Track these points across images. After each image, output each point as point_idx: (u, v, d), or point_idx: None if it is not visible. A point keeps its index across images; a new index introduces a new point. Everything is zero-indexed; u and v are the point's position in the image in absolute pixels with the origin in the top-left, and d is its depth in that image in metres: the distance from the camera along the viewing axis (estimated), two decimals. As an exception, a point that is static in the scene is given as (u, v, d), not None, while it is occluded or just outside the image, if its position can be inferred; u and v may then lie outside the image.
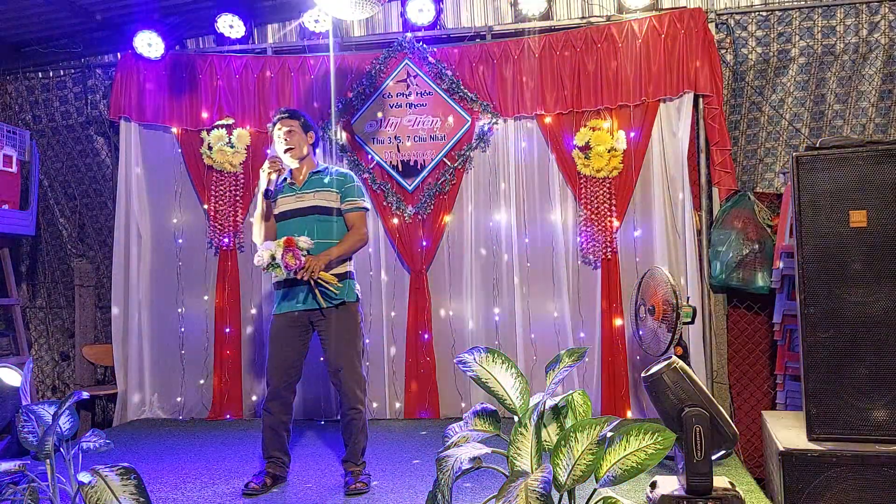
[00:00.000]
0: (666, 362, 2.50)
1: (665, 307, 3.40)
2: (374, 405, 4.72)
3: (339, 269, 3.18)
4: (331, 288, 3.11)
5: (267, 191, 3.14)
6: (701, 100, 4.41)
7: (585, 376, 4.53)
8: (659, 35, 4.39)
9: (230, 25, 4.78)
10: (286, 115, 3.28)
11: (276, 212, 3.24)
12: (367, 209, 3.32)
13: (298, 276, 3.03)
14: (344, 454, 3.25)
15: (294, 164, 3.26)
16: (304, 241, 3.06)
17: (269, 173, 3.15)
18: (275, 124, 3.27)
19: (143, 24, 4.74)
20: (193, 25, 5.00)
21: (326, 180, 3.25)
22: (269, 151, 3.30)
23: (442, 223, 4.67)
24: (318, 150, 4.77)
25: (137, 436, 4.38)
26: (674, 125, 4.42)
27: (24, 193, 4.99)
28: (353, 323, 3.19)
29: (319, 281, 3.07)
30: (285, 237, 3.05)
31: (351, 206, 3.25)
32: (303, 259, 3.02)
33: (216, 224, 4.86)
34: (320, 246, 3.12)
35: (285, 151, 3.23)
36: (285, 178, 3.27)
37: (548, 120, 4.55)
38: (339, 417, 3.28)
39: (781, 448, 2.78)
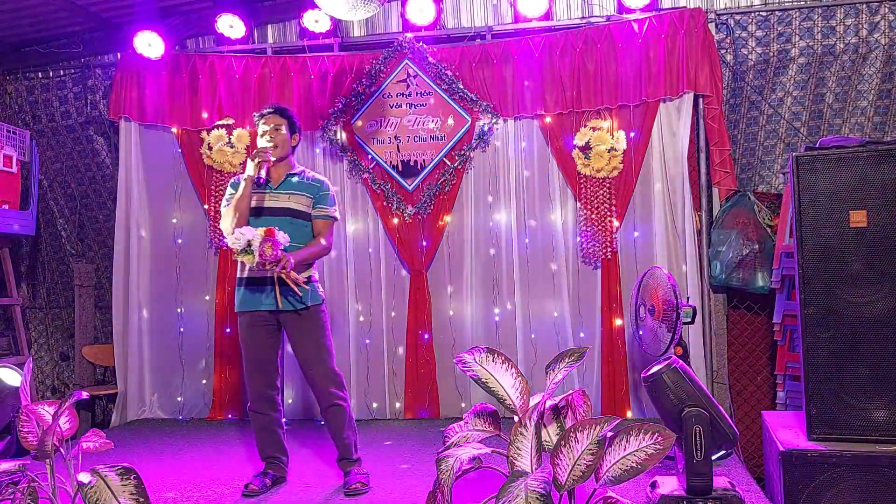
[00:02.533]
0: (666, 362, 2.50)
1: (665, 307, 3.40)
2: (374, 405, 4.73)
3: (304, 273, 3.14)
4: (296, 289, 3.04)
5: (258, 177, 3.12)
6: (701, 100, 4.40)
7: (585, 376, 4.53)
8: (659, 35, 4.39)
9: (230, 25, 4.78)
10: (275, 111, 3.24)
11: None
12: (336, 219, 3.30)
13: (268, 268, 2.97)
14: (336, 454, 3.23)
15: (270, 157, 3.20)
16: (283, 237, 3.02)
17: (258, 162, 3.12)
18: (262, 116, 3.24)
19: (143, 24, 4.74)
20: (193, 25, 5.00)
21: (302, 184, 3.22)
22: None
23: (442, 223, 4.67)
24: (317, 150, 4.84)
25: (137, 436, 4.38)
26: (674, 125, 4.42)
27: (24, 193, 4.99)
28: (319, 323, 3.17)
29: (286, 279, 3.00)
30: (266, 227, 2.99)
31: (321, 214, 3.22)
32: (279, 252, 2.96)
33: (216, 224, 4.85)
34: (289, 248, 3.09)
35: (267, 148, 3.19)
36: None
37: (548, 120, 4.55)
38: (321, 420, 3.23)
39: (781, 448, 2.77)
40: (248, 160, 3.15)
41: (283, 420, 3.31)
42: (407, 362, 4.68)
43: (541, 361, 4.47)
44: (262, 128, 3.22)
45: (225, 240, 3.18)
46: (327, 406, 3.14)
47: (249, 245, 2.95)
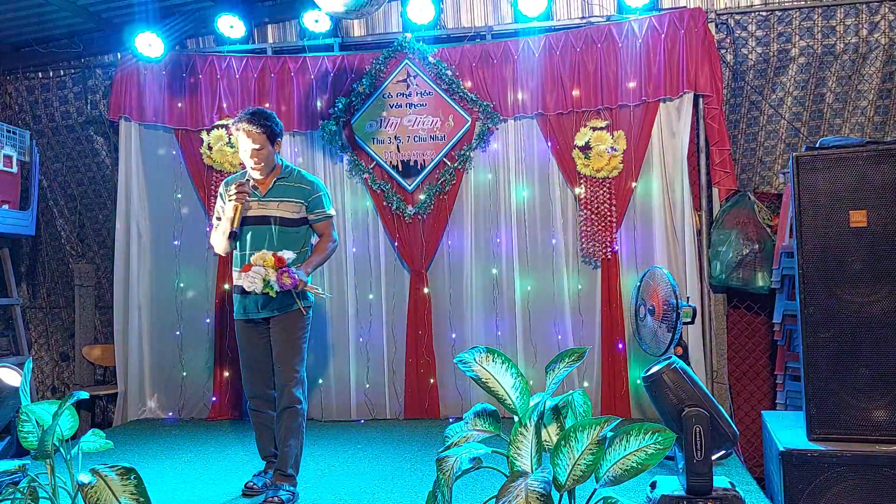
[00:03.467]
0: (666, 362, 2.50)
1: (665, 307, 3.40)
2: (375, 405, 4.72)
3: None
4: (318, 294, 3.17)
5: (232, 232, 3.04)
6: (701, 100, 4.40)
7: (585, 376, 4.53)
8: (659, 35, 4.39)
9: (230, 25, 4.78)
10: (253, 124, 3.03)
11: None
12: (334, 215, 3.29)
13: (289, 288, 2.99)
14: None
15: (258, 176, 3.12)
16: (288, 255, 3.01)
17: (237, 207, 3.03)
18: (238, 128, 3.06)
19: (143, 24, 4.74)
20: (193, 25, 4.99)
21: (291, 189, 3.15)
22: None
23: (442, 223, 4.67)
24: (317, 150, 4.83)
25: (137, 436, 4.38)
26: (674, 125, 4.42)
27: (24, 193, 4.99)
28: (298, 324, 3.11)
29: (306, 289, 3.09)
30: (273, 256, 2.96)
31: (320, 216, 3.21)
32: (296, 277, 2.97)
33: (216, 224, 4.85)
34: (294, 261, 3.06)
35: (253, 168, 3.09)
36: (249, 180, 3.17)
37: (548, 120, 4.55)
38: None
39: (781, 448, 2.78)
40: (228, 198, 3.06)
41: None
42: (407, 362, 4.68)
43: (541, 361, 4.47)
44: (242, 144, 3.07)
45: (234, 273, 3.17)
46: (283, 408, 3.07)
47: (267, 283, 2.94)
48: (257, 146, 3.06)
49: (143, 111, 4.93)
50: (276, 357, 3.11)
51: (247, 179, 3.12)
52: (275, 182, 3.16)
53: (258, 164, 3.09)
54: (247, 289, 2.96)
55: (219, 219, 3.17)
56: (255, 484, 3.12)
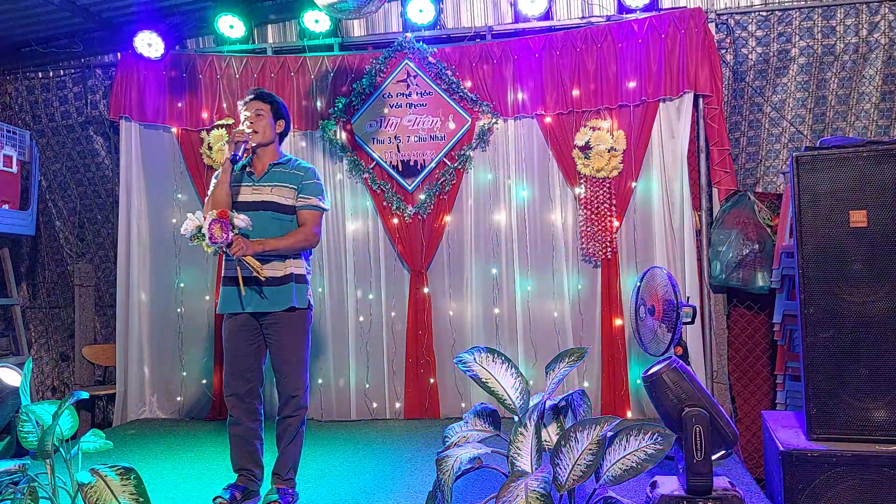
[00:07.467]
0: (666, 362, 2.50)
1: (665, 307, 3.40)
2: (374, 405, 4.73)
3: (284, 269, 2.95)
4: (258, 274, 2.83)
5: (234, 155, 2.86)
6: (701, 100, 4.41)
7: (585, 376, 4.53)
8: (659, 35, 4.39)
9: (230, 25, 4.78)
10: (257, 97, 3.04)
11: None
12: (323, 209, 3.06)
13: (223, 251, 2.82)
14: (273, 463, 3.02)
15: (250, 142, 2.98)
16: (240, 220, 2.80)
17: (236, 142, 2.88)
18: (245, 103, 3.04)
19: (143, 24, 4.74)
20: (193, 25, 4.99)
21: (286, 175, 3.01)
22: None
23: (442, 223, 4.67)
24: (317, 150, 4.83)
25: (137, 436, 4.38)
26: (674, 125, 4.42)
27: (24, 193, 4.99)
28: (299, 329, 2.98)
29: (246, 262, 2.81)
30: (221, 209, 2.78)
31: (304, 204, 3.00)
32: (230, 235, 2.74)
33: (216, 224, 4.84)
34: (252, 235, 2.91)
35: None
36: (244, 165, 3.03)
37: (548, 120, 4.55)
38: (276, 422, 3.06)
39: (781, 448, 2.77)
40: (227, 143, 2.95)
41: (262, 432, 3.09)
42: (407, 362, 4.68)
43: (541, 361, 4.47)
44: (243, 114, 3.03)
45: None
46: (285, 415, 2.99)
47: (199, 230, 2.77)
48: (256, 111, 3.00)
49: (143, 111, 4.93)
50: (279, 365, 2.98)
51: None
52: (270, 167, 3.03)
53: (252, 130, 2.97)
54: (182, 232, 2.85)
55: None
56: (222, 498, 2.90)
